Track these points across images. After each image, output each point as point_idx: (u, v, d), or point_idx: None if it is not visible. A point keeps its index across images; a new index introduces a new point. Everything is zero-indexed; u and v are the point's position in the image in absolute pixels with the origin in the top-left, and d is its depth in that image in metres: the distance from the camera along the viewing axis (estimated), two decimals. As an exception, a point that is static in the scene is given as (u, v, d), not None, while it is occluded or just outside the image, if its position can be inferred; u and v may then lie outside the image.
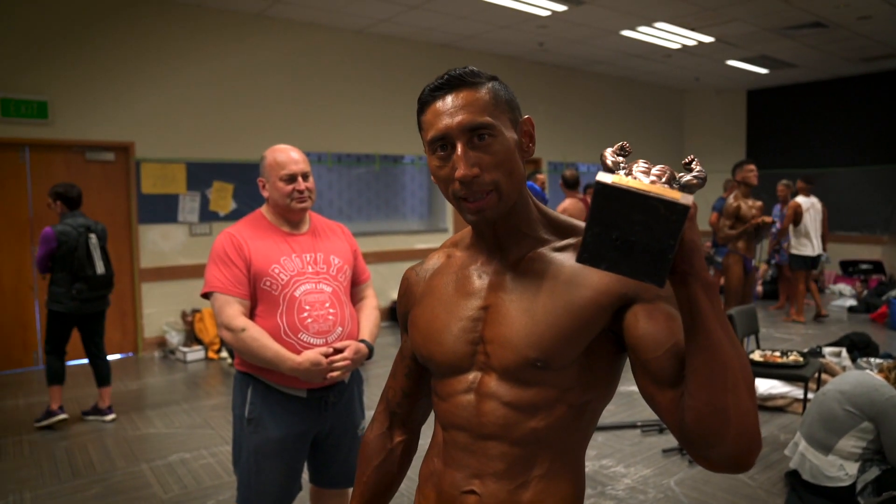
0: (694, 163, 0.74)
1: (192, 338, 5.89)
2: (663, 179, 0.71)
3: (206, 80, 6.04)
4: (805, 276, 7.14)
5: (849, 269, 9.27)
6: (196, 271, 5.95)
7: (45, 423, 4.07)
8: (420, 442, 1.26)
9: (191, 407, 4.47)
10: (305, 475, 2.16)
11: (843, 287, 8.93)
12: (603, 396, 1.00)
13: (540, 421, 0.95)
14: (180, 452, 3.66)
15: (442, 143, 0.94)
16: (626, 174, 0.73)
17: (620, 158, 0.75)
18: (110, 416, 4.23)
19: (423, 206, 8.18)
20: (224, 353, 5.72)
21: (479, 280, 1.03)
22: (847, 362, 4.87)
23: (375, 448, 1.22)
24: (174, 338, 5.83)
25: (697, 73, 9.49)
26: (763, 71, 9.07)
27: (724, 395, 0.76)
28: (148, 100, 5.77)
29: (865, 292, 8.32)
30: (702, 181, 0.71)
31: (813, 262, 7.09)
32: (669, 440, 3.75)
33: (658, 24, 6.72)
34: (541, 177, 6.03)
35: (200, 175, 6.04)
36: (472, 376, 1.00)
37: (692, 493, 3.12)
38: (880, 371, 3.03)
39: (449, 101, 0.94)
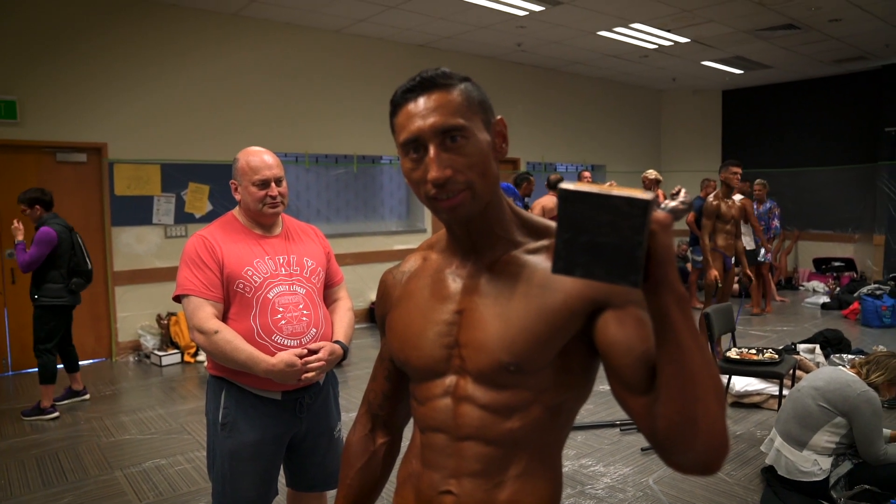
0: (681, 193, 0.75)
1: (167, 342, 5.81)
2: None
3: (181, 80, 5.96)
4: (755, 271, 7.29)
5: (822, 267, 9.43)
6: (172, 274, 5.86)
7: (34, 417, 4.27)
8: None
9: (167, 412, 4.40)
10: (282, 479, 2.13)
11: (817, 284, 9.08)
12: (579, 397, 1.00)
13: (516, 422, 0.96)
14: (156, 459, 3.60)
15: (414, 146, 0.94)
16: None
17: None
18: (87, 395, 4.65)
19: (401, 206, 8.16)
20: (201, 357, 5.65)
21: (454, 283, 1.03)
22: (820, 359, 4.95)
23: (358, 450, 1.22)
24: (149, 342, 5.74)
25: (674, 74, 9.59)
26: (738, 71, 9.18)
27: (694, 405, 0.77)
28: (121, 100, 5.67)
29: (838, 289, 8.46)
30: (687, 206, 0.72)
31: (755, 255, 7.30)
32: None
33: (635, 25, 6.77)
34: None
35: (175, 176, 5.96)
36: (449, 380, 1.00)
37: (671, 491, 3.14)
38: (852, 367, 3.08)
39: (421, 103, 0.93)
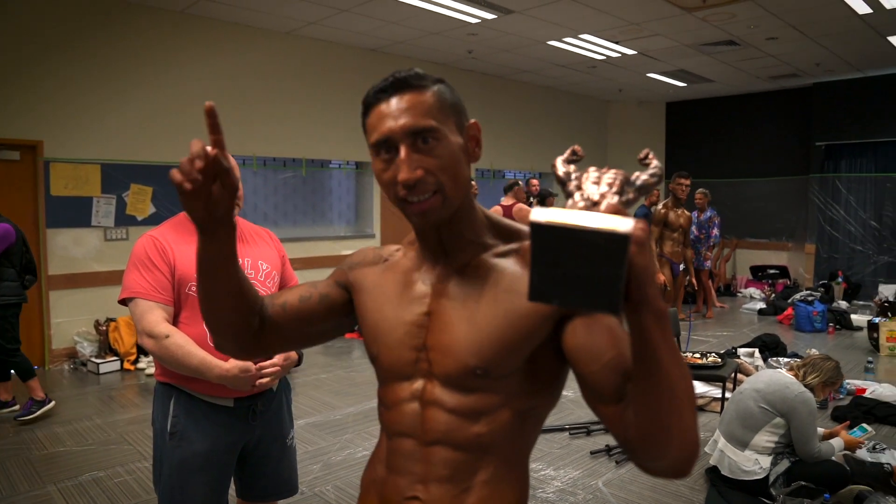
0: (649, 157, 0.72)
1: (106, 348, 5.58)
2: (614, 189, 0.70)
3: (122, 77, 5.75)
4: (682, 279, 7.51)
5: (758, 274, 9.83)
6: (112, 278, 5.65)
7: (38, 413, 4.19)
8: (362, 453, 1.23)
9: (105, 422, 4.22)
10: (232, 489, 2.07)
11: (754, 291, 9.44)
12: (548, 403, 1.00)
13: (483, 427, 0.95)
14: (93, 471, 3.45)
15: (386, 146, 0.93)
16: (577, 187, 0.71)
17: (572, 167, 0.73)
18: (17, 405, 4.40)
19: (350, 211, 8.10)
20: (142, 364, 5.45)
21: (423, 286, 1.02)
22: (759, 362, 5.14)
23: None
24: (86, 349, 5.50)
25: (620, 85, 9.84)
26: (681, 84, 9.49)
27: (670, 416, 0.77)
28: (58, 96, 5.43)
29: (773, 295, 8.83)
30: (658, 178, 0.70)
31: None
32: (596, 442, 3.84)
33: (584, 36, 6.92)
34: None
35: (117, 177, 5.74)
36: (417, 384, 0.99)
37: (620, 493, 3.20)
38: (790, 369, 3.21)
39: (393, 103, 0.92)
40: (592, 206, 0.72)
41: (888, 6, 5.85)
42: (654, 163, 0.72)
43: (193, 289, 1.86)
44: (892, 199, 8.94)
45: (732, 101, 10.44)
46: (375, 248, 1.15)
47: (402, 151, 0.91)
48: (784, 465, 3.03)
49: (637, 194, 0.77)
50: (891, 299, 7.57)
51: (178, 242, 1.90)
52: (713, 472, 3.18)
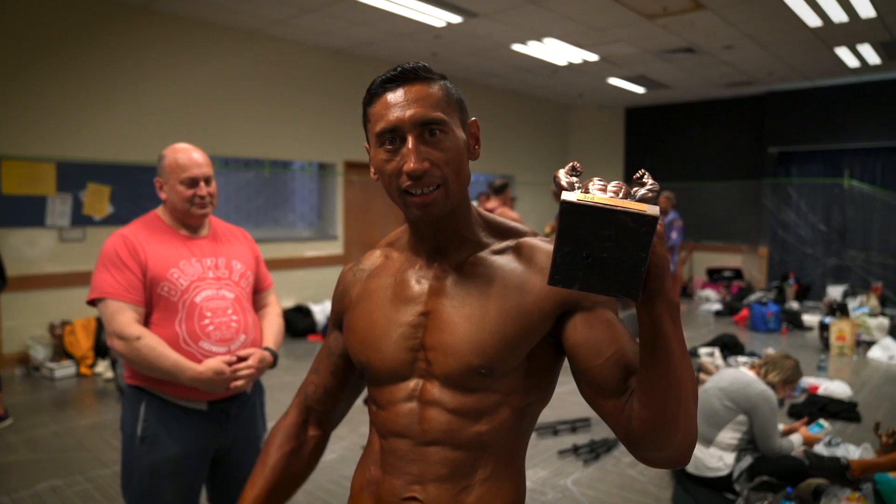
0: (646, 176, 0.75)
1: (61, 352, 5.39)
2: (620, 195, 0.71)
3: (79, 74, 5.57)
4: None
5: (714, 276, 10.09)
6: (68, 280, 5.47)
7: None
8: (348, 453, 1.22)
9: (62, 428, 4.07)
10: (203, 496, 2.02)
11: (710, 293, 9.68)
12: (543, 399, 1.01)
13: (484, 425, 0.95)
14: (51, 480, 3.32)
15: (391, 137, 0.92)
16: (583, 192, 0.73)
17: (574, 179, 0.75)
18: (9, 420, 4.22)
19: (312, 213, 8.01)
20: (100, 368, 5.28)
21: (419, 285, 1.00)
22: (719, 361, 5.28)
23: (288, 434, 1.16)
24: (40, 353, 5.30)
25: (581, 90, 9.99)
26: (641, 90, 9.69)
27: (677, 408, 0.78)
28: (9, 91, 5.23)
29: (729, 297, 9.07)
30: (656, 194, 0.73)
31: None
32: (563, 442, 3.88)
33: (547, 40, 7.00)
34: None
35: (73, 176, 5.55)
36: (414, 384, 0.98)
37: (589, 492, 3.24)
38: (752, 367, 3.30)
39: (401, 93, 0.92)
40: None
41: (836, 20, 6.10)
42: (650, 182, 0.74)
43: (166, 289, 1.82)
44: (840, 204, 9.29)
45: (689, 108, 10.71)
46: (350, 267, 1.13)
47: (410, 142, 0.90)
48: (747, 461, 3.11)
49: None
50: (839, 300, 7.89)
51: (149, 241, 1.86)
52: (679, 469, 3.25)
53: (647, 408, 0.80)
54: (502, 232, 1.02)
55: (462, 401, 0.95)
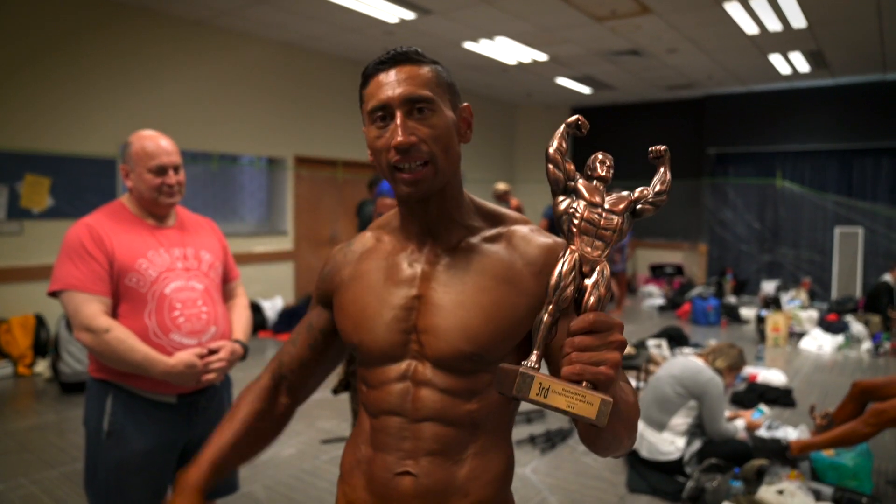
0: (662, 171, 0.86)
1: (-5, 353, 5.13)
2: (621, 206, 0.80)
3: (16, 58, 5.31)
4: None
5: (656, 272, 10.43)
6: (4, 276, 5.21)
7: None
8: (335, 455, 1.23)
9: (0, 431, 3.89)
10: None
11: (653, 288, 10.00)
12: None
13: (475, 404, 0.98)
14: (-8, 483, 3.18)
15: (381, 114, 0.95)
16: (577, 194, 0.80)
17: (572, 167, 0.82)
18: None
19: (261, 207, 7.87)
20: (39, 368, 5.05)
21: (411, 268, 1.02)
22: (666, 352, 5.48)
23: (260, 395, 1.16)
24: (-28, 354, 5.04)
25: (530, 90, 10.15)
26: (587, 91, 9.92)
27: (623, 434, 0.89)
28: (-61, 77, 4.95)
29: (671, 292, 9.40)
30: (657, 207, 0.79)
31: None
32: (519, 433, 3.95)
33: (499, 39, 7.09)
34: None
35: (8, 167, 5.28)
36: (406, 365, 1.00)
37: (547, 479, 3.32)
38: (700, 355, 3.45)
39: (392, 74, 0.96)
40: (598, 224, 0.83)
41: (771, 29, 6.42)
42: (663, 185, 0.84)
43: (134, 280, 1.78)
44: (773, 203, 9.76)
45: (633, 109, 11.03)
46: (341, 248, 1.14)
47: (398, 117, 0.93)
48: (696, 445, 3.26)
49: (653, 207, 0.87)
50: (772, 294, 8.29)
51: (115, 231, 1.81)
52: (632, 454, 3.37)
53: (600, 439, 0.90)
54: (493, 218, 1.05)
55: (454, 382, 0.97)
